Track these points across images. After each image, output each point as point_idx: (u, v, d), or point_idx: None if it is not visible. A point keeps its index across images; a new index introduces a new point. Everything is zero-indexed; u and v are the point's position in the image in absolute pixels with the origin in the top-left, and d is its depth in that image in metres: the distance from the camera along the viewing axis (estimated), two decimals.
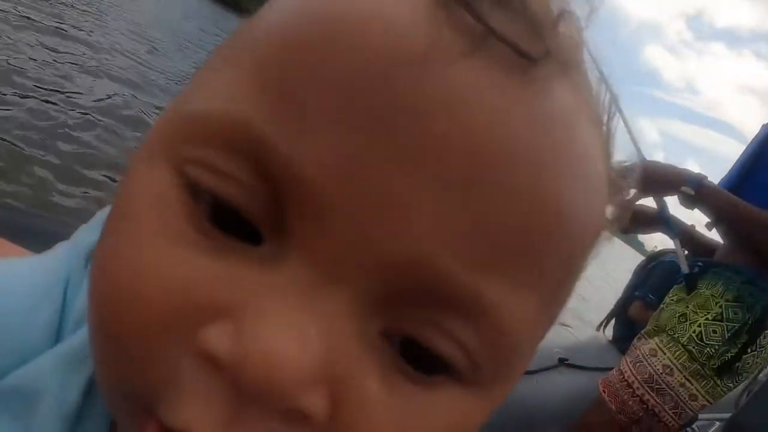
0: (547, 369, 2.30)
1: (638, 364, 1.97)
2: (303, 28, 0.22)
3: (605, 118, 0.27)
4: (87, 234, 0.39)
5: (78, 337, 0.34)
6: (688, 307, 1.95)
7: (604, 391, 2.03)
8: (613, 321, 2.81)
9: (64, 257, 0.38)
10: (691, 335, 1.89)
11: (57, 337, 0.36)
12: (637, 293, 2.67)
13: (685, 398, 1.88)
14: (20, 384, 0.33)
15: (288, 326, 0.20)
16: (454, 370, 0.22)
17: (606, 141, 0.26)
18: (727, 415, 1.98)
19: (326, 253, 0.21)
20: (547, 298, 0.24)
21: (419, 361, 0.22)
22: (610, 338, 2.76)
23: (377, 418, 0.22)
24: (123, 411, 0.25)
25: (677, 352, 1.90)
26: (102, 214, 0.40)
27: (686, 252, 2.15)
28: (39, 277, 0.36)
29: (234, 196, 0.21)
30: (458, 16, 0.21)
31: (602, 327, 2.79)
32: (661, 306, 2.09)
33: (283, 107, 0.21)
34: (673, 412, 1.89)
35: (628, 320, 2.65)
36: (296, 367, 0.20)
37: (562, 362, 2.38)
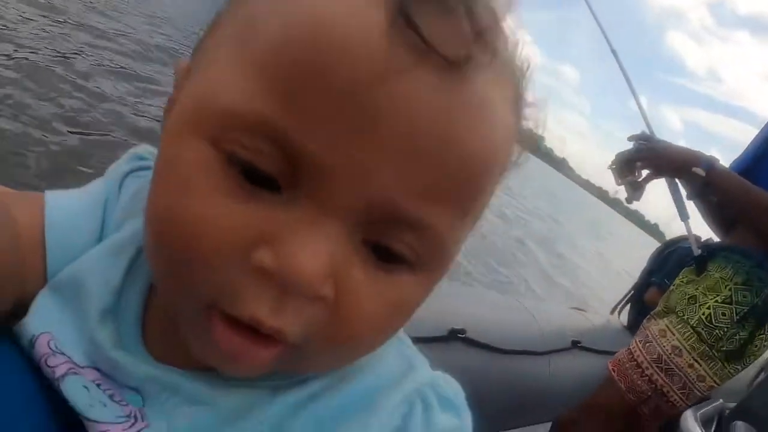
0: (560, 351, 2.33)
1: (648, 344, 2.00)
2: (295, 50, 0.31)
3: (520, 85, 0.38)
4: (120, 167, 0.55)
5: (117, 235, 0.49)
6: (697, 289, 1.98)
7: (613, 370, 2.07)
8: (628, 307, 2.80)
9: (101, 185, 0.54)
10: (700, 317, 1.92)
11: (100, 238, 0.50)
12: (653, 279, 2.66)
13: (693, 379, 1.91)
14: (72, 273, 0.46)
15: (306, 246, 0.32)
16: (406, 262, 0.35)
17: (518, 101, 0.38)
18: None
19: (325, 198, 0.32)
20: (464, 214, 0.37)
21: (384, 256, 0.35)
22: (625, 324, 2.76)
23: (362, 293, 0.35)
24: (187, 307, 0.36)
25: (686, 334, 1.93)
26: (132, 152, 0.57)
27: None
28: (85, 198, 0.52)
29: (260, 162, 0.32)
30: (407, 33, 0.30)
31: (618, 312, 2.79)
32: (671, 287, 2.11)
33: (289, 105, 0.31)
34: (681, 393, 1.93)
35: (644, 306, 2.64)
36: (315, 271, 0.32)
37: (575, 345, 2.41)
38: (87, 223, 0.50)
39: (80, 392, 0.40)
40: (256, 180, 0.32)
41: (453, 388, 0.48)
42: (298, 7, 0.32)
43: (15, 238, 0.45)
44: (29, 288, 0.46)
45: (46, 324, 0.43)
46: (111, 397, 0.40)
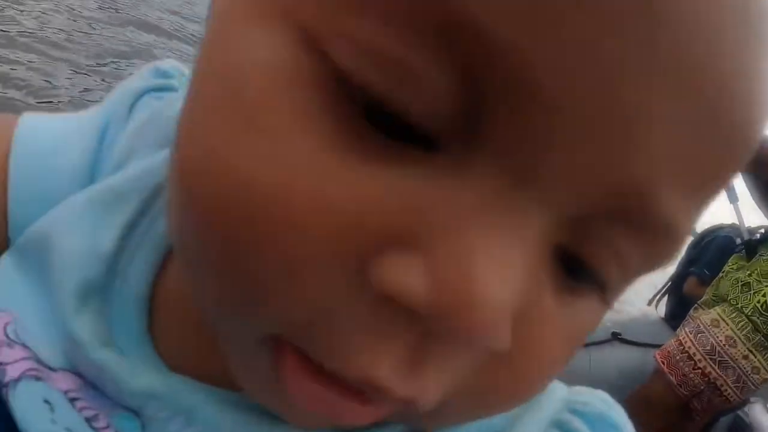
0: (600, 343, 2.29)
1: (699, 334, 1.92)
2: None
3: None
4: (134, 82, 0.37)
5: (113, 178, 0.31)
6: (751, 275, 1.91)
7: (663, 363, 1.99)
8: (665, 298, 2.77)
9: (100, 108, 0.36)
10: (755, 305, 1.84)
11: (90, 180, 0.33)
12: (692, 269, 2.62)
13: (747, 371, 1.84)
14: (44, 230, 0.30)
15: (493, 260, 0.17)
16: (603, 284, 0.21)
17: None
18: None
19: (530, 171, 0.17)
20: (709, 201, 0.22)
21: (574, 271, 0.20)
22: (662, 315, 2.72)
23: (547, 331, 0.20)
24: (242, 331, 0.21)
25: (741, 323, 1.85)
26: (154, 65, 0.38)
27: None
28: (70, 122, 0.36)
29: (406, 92, 0.16)
30: None
31: (655, 303, 2.74)
32: (720, 274, 2.05)
33: None
34: (735, 386, 1.85)
35: (682, 297, 2.60)
36: (504, 307, 0.17)
37: (616, 337, 2.36)
38: (72, 153, 0.34)
39: (36, 409, 0.26)
40: (385, 120, 0.17)
41: (603, 403, 0.34)
42: None
43: None
44: None
45: (8, 299, 0.29)
46: (89, 421, 0.26)
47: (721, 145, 0.19)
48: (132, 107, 0.35)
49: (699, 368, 1.88)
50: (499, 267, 0.17)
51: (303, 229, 0.17)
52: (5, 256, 0.31)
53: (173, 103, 0.31)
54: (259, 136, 0.17)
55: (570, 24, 0.15)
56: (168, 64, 0.39)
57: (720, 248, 2.51)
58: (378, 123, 0.17)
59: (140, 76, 0.38)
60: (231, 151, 0.17)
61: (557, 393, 0.33)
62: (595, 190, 0.17)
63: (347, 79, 0.16)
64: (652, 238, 0.19)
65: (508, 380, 0.21)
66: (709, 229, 2.71)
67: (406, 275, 0.16)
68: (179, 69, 0.39)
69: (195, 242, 0.20)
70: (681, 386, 1.91)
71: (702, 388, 1.88)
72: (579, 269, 0.20)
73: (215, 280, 0.20)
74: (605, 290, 0.21)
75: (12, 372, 0.26)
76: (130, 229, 0.30)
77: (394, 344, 0.18)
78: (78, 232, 0.29)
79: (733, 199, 2.08)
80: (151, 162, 0.31)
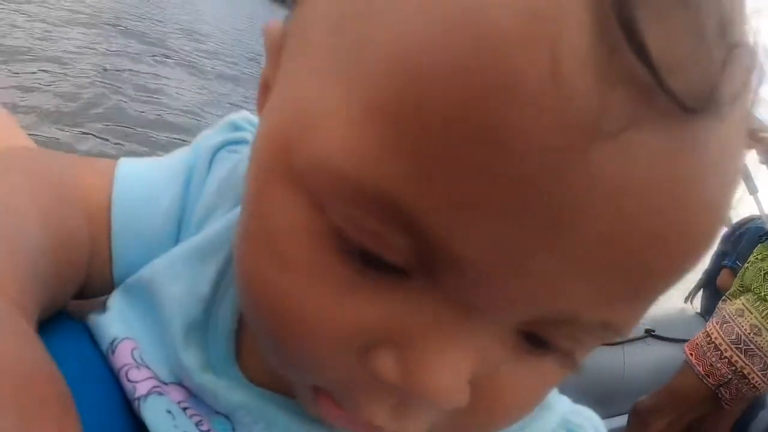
0: (633, 340, 2.29)
1: (725, 324, 1.93)
2: (451, 84, 0.19)
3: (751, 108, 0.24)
4: (212, 136, 0.44)
5: (206, 235, 0.38)
6: None
7: (691, 354, 2.00)
8: (701, 292, 2.72)
9: (184, 156, 0.43)
10: None
11: (179, 226, 0.41)
12: (725, 262, 2.58)
13: None
14: (151, 276, 0.37)
15: (445, 353, 0.23)
16: (563, 351, 0.26)
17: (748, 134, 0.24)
18: None
19: (475, 297, 0.23)
20: (658, 297, 0.26)
21: (536, 342, 0.25)
22: (698, 310, 2.68)
23: (507, 385, 0.27)
24: (294, 379, 0.30)
25: (765, 312, 1.86)
26: (228, 120, 0.45)
27: None
28: (160, 170, 0.42)
29: (383, 249, 0.22)
30: (622, 61, 0.18)
31: (690, 299, 2.70)
32: (745, 265, 2.04)
33: (432, 182, 0.20)
34: (762, 374, 1.86)
35: (717, 290, 2.56)
36: (454, 386, 0.24)
37: (649, 333, 2.35)
38: (164, 200, 0.41)
39: (163, 418, 0.33)
40: (375, 261, 0.23)
41: (593, 425, 0.40)
42: (451, 8, 0.19)
43: (84, 212, 0.39)
44: (93, 271, 0.39)
45: (129, 329, 0.36)
46: (198, 425, 0.34)
47: (655, 275, 0.23)
48: (211, 162, 0.42)
49: (725, 357, 1.89)
50: (450, 361, 0.24)
51: (323, 335, 0.25)
52: (116, 294, 0.39)
53: (245, 160, 0.36)
54: (287, 270, 0.25)
55: (485, 221, 0.20)
56: (240, 116, 0.46)
57: (752, 239, 2.45)
58: (366, 258, 0.23)
59: (217, 131, 0.44)
60: (267, 278, 0.26)
61: (558, 408, 0.40)
62: (530, 316, 0.23)
63: (342, 234, 0.23)
64: (598, 332, 0.25)
65: (477, 421, 0.28)
66: (742, 221, 2.65)
67: (388, 365, 0.24)
68: (250, 120, 0.45)
69: (250, 316, 0.30)
70: (708, 376, 1.93)
71: (729, 377, 1.89)
72: (539, 341, 0.25)
73: (268, 344, 0.28)
74: (566, 355, 0.26)
75: (141, 389, 0.34)
76: (221, 276, 0.37)
77: (386, 401, 0.26)
78: (180, 280, 0.37)
79: (753, 190, 2.07)
80: (232, 217, 0.39)
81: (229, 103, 5.59)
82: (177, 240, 0.40)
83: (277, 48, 0.29)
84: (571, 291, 0.22)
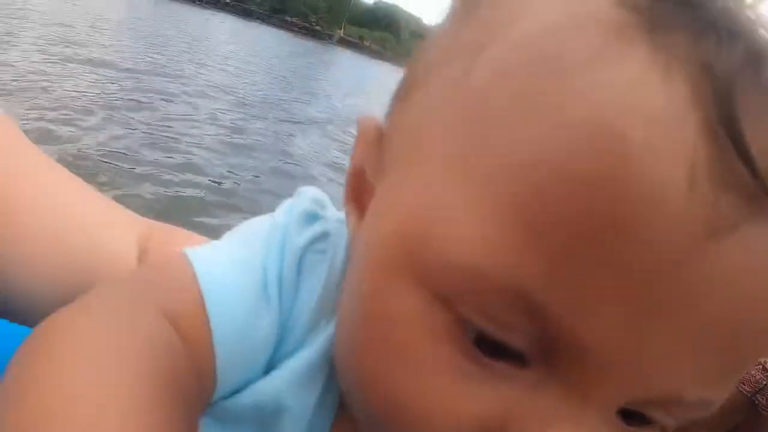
0: None
1: None
2: (589, 190, 0.22)
3: None
4: (294, 236, 0.38)
5: (307, 357, 0.36)
6: None
7: None
8: None
9: (268, 259, 0.37)
10: None
11: (277, 344, 0.37)
12: None
13: None
14: (261, 400, 0.36)
15: None
16: (660, 428, 0.28)
17: None
18: None
19: (591, 386, 0.25)
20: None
21: (631, 416, 0.27)
22: None
23: None
24: None
25: None
26: (300, 209, 0.40)
27: None
28: (244, 278, 0.36)
29: (508, 337, 0.25)
30: (734, 175, 0.21)
31: None
32: None
33: (557, 273, 0.22)
34: None
35: None
36: None
37: None
38: (260, 331, 0.36)
39: None
40: (494, 351, 0.25)
41: None
42: (581, 114, 0.22)
43: (190, 355, 0.32)
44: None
45: None
46: None
47: (755, 352, 0.26)
48: (300, 267, 0.37)
49: (760, 364, 1.94)
50: None
51: (442, 425, 0.26)
52: (206, 424, 0.36)
53: (336, 262, 0.37)
54: (405, 363, 0.26)
55: (610, 308, 0.23)
56: (312, 199, 0.41)
57: None
58: (484, 348, 0.25)
59: (294, 228, 0.39)
60: (383, 370, 0.27)
61: None
62: (638, 399, 0.26)
63: (468, 323, 0.25)
64: (695, 409, 0.27)
65: None
66: None
67: None
68: (321, 202, 0.41)
69: (358, 409, 0.32)
70: (744, 384, 1.96)
71: (765, 383, 1.93)
72: (640, 418, 0.27)
73: (363, 421, 0.31)
74: (662, 429, 0.28)
75: None
76: (322, 397, 0.37)
77: None
78: (292, 404, 0.36)
79: None
80: (327, 333, 0.37)
81: None
82: (270, 360, 0.37)
83: (373, 141, 0.33)
84: (683, 372, 0.24)
